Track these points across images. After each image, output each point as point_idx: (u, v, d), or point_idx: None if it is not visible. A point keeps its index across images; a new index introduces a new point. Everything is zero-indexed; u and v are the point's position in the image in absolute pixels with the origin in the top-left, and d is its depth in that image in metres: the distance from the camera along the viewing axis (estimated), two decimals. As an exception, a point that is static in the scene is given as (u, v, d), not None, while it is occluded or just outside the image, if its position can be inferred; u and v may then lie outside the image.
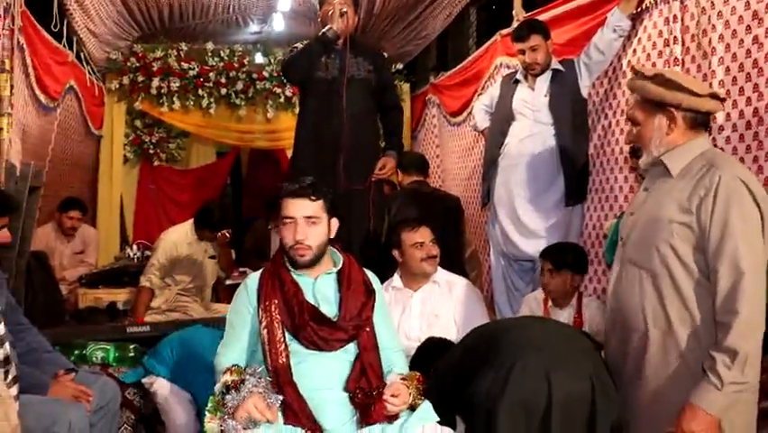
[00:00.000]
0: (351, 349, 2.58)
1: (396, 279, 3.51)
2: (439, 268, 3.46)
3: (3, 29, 3.80)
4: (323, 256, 2.65)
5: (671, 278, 2.12)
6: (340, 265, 2.68)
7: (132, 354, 3.90)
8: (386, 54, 4.53)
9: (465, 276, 3.81)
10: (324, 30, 3.85)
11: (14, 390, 2.34)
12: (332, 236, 2.67)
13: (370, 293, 2.67)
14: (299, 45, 4.03)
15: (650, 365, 2.17)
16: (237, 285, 4.96)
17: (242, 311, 2.63)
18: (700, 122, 2.25)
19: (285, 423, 2.38)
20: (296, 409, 2.40)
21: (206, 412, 2.45)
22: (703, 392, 2.01)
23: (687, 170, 2.17)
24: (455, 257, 4.17)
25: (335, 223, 2.69)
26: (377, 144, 4.19)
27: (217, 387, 2.44)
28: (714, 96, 2.24)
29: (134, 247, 6.33)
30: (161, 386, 3.55)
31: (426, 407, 2.44)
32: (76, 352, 3.83)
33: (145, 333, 4.05)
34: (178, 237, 4.87)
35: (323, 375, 2.51)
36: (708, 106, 2.23)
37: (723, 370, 1.98)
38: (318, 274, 2.64)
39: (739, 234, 2.02)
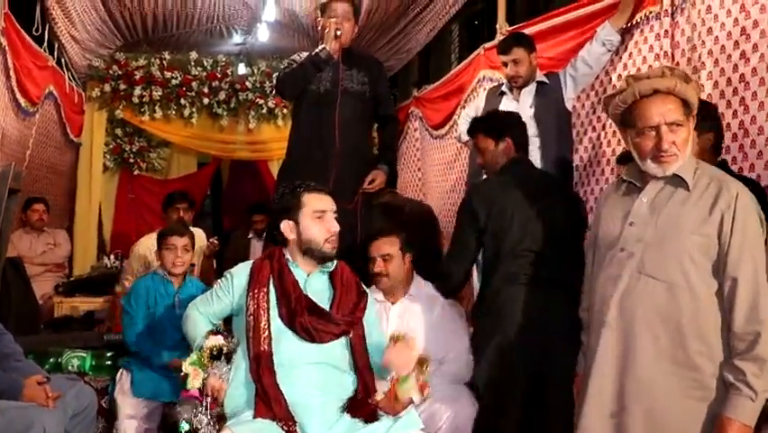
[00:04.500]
0: (337, 354, 2.59)
1: (374, 289, 3.46)
2: (419, 279, 3.36)
3: (-15, 30, 3.77)
4: None
5: (690, 290, 2.11)
6: (332, 266, 2.70)
7: (109, 363, 3.84)
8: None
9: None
10: (317, 50, 3.80)
11: (-11, 392, 2.29)
12: None
13: (362, 294, 2.73)
14: (296, 57, 3.97)
15: (658, 373, 2.14)
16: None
17: (226, 292, 2.72)
18: None
19: (254, 417, 2.39)
20: (271, 397, 2.41)
21: (189, 364, 2.49)
22: (738, 405, 2.02)
23: (695, 182, 2.17)
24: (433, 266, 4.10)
25: None
26: (369, 159, 4.06)
27: (208, 343, 2.53)
28: None
29: (112, 256, 6.26)
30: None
31: (412, 414, 2.43)
32: (51, 360, 3.76)
33: (122, 340, 3.98)
34: (152, 243, 4.81)
35: (309, 380, 2.52)
36: None
37: (754, 380, 2.00)
38: (312, 271, 2.66)
39: (757, 247, 2.07)
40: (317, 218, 2.65)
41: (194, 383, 2.49)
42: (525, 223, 2.90)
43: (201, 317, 2.74)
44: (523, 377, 2.86)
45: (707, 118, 2.52)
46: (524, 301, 2.84)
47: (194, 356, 2.53)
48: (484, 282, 3.05)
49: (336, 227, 2.67)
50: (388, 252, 3.23)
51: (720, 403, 2.06)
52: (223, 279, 2.77)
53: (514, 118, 3.28)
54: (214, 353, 2.50)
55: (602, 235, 2.37)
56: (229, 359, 2.54)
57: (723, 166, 2.55)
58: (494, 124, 3.23)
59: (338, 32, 3.72)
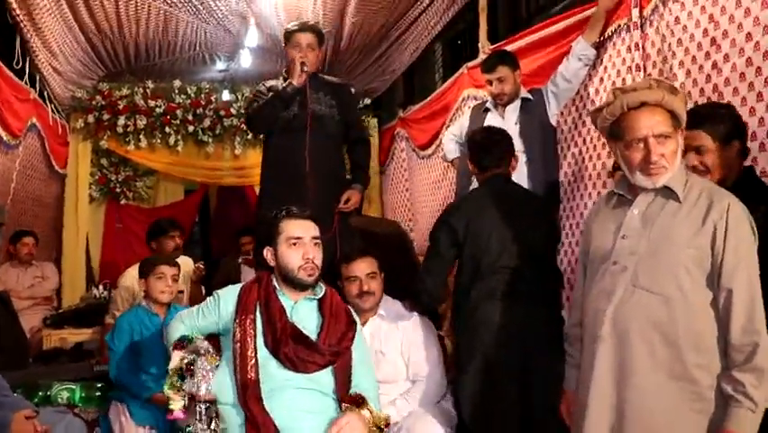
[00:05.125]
0: (324, 381, 2.58)
1: None
2: (388, 298, 3.35)
3: (-35, 65, 3.76)
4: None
5: (685, 302, 2.09)
6: (321, 294, 2.69)
7: (98, 394, 3.79)
8: (351, 86, 4.42)
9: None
10: (284, 85, 3.86)
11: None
12: None
13: (351, 323, 2.70)
14: (262, 88, 4.01)
15: (655, 387, 2.12)
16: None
17: (212, 311, 2.70)
18: None
19: None
20: (260, 423, 2.41)
21: (167, 389, 2.51)
22: (738, 417, 2.00)
23: (685, 194, 2.16)
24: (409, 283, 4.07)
25: None
26: (343, 181, 4.11)
27: (171, 366, 2.53)
28: None
29: (101, 287, 6.22)
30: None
31: None
32: (40, 393, 3.71)
33: (110, 374, 3.95)
34: (137, 273, 4.78)
35: (298, 404, 2.51)
36: None
37: (753, 391, 1.99)
38: (298, 298, 2.64)
39: (750, 257, 2.06)
40: (292, 245, 2.64)
41: (176, 406, 2.48)
42: (503, 239, 3.01)
43: (182, 327, 2.72)
44: (506, 392, 2.95)
45: (731, 125, 2.48)
46: (502, 316, 2.95)
47: (168, 381, 2.52)
48: (463, 298, 3.10)
49: (313, 254, 2.65)
50: (373, 270, 3.24)
51: (720, 416, 2.04)
52: (211, 297, 2.76)
53: (483, 141, 3.33)
54: (180, 373, 2.50)
55: (594, 249, 2.35)
56: (192, 373, 2.51)
57: (750, 172, 2.53)
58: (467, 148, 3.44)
59: (304, 68, 3.79)
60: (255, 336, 2.54)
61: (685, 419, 2.09)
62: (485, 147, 3.27)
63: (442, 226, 3.14)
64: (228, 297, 2.68)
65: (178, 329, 2.71)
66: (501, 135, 3.34)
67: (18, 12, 4.51)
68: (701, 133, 2.44)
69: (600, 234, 2.33)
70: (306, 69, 3.79)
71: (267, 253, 2.71)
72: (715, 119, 2.48)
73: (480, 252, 3.01)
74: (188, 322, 2.73)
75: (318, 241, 2.70)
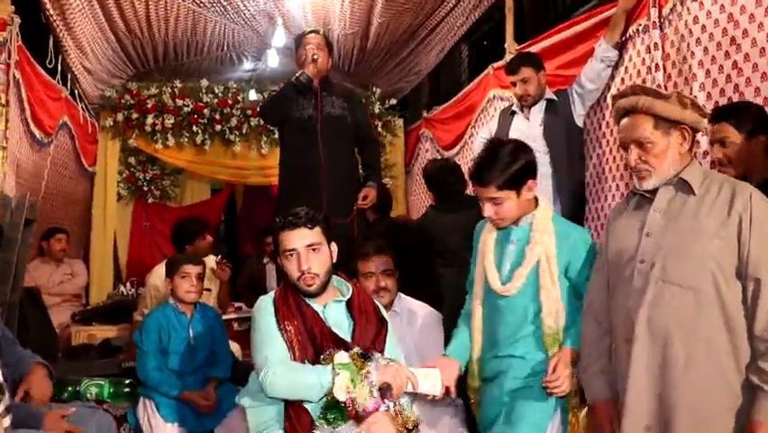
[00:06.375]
0: None
1: None
2: (402, 296, 3.34)
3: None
4: (329, 283, 2.65)
5: (717, 294, 2.09)
6: (349, 294, 2.67)
7: (127, 390, 3.83)
8: (359, 90, 4.75)
9: (440, 300, 3.77)
10: (297, 75, 4.03)
11: (7, 420, 2.27)
12: (334, 260, 2.69)
13: (382, 322, 2.68)
14: (276, 89, 4.16)
15: (690, 381, 2.11)
16: (232, 321, 4.90)
17: (272, 323, 2.56)
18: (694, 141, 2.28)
19: None
20: (293, 418, 2.41)
21: (337, 381, 2.35)
22: (766, 408, 2.00)
23: (705, 188, 2.17)
24: (427, 281, 4.09)
25: (335, 247, 2.71)
26: (357, 177, 4.30)
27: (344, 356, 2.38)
28: (704, 115, 2.28)
29: (128, 284, 6.28)
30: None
31: None
32: (69, 388, 3.76)
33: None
34: (164, 271, 4.80)
35: None
36: (702, 125, 2.28)
37: None
38: (326, 302, 2.64)
39: None
40: (289, 257, 2.60)
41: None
42: (454, 226, 3.99)
43: (293, 366, 2.50)
44: None
45: (757, 119, 2.50)
46: (453, 277, 3.77)
47: (342, 376, 2.35)
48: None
49: (308, 264, 2.56)
50: (389, 267, 3.24)
51: (747, 408, 2.03)
52: (256, 323, 2.63)
53: (441, 176, 4.58)
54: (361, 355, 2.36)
55: (617, 251, 2.34)
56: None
57: None
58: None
59: (314, 56, 4.00)
60: (295, 343, 2.50)
61: (722, 414, 2.08)
62: (439, 181, 4.48)
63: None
64: (267, 304, 2.62)
65: (292, 370, 2.48)
66: (456, 165, 4.63)
67: (51, 11, 4.58)
68: (725, 124, 2.51)
69: (623, 234, 2.34)
70: (315, 57, 3.98)
71: (280, 262, 2.72)
72: (741, 112, 2.54)
73: (441, 235, 4.15)
74: (278, 357, 2.51)
75: (316, 246, 2.60)
